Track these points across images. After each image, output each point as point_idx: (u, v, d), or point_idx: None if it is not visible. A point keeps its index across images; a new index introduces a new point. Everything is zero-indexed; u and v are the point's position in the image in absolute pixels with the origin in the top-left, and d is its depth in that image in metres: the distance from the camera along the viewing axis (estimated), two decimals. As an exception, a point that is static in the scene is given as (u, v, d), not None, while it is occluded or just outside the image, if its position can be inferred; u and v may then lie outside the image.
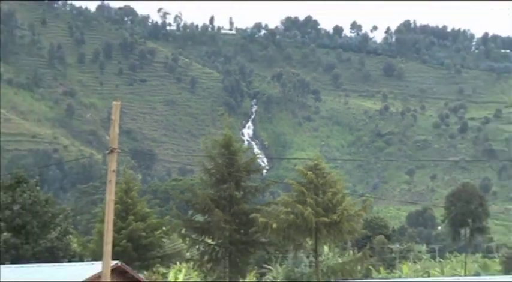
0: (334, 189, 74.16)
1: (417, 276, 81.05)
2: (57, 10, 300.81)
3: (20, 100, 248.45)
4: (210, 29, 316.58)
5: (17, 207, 74.95)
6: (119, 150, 32.56)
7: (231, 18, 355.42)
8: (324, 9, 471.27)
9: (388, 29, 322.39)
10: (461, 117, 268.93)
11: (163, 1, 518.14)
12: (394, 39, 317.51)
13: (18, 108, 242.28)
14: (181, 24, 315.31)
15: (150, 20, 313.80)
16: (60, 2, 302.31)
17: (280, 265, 79.04)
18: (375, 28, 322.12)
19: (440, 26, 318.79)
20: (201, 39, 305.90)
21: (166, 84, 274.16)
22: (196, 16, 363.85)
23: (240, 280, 70.74)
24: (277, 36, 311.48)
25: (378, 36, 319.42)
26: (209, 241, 76.78)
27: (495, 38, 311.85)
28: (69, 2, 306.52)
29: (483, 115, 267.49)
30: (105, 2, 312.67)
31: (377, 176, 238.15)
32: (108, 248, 32.28)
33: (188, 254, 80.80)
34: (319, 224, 72.08)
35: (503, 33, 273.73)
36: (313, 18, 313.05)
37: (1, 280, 46.71)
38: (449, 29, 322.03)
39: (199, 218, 78.07)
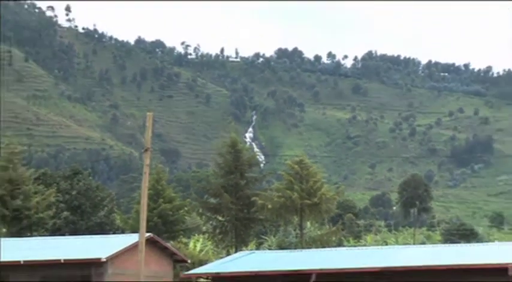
0: (314, 179, 74.03)
1: (377, 245, 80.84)
2: (105, 43, 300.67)
3: (76, 111, 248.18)
4: (220, 57, 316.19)
5: (74, 193, 74.95)
6: (152, 149, 32.52)
7: (236, 49, 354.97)
8: (307, 42, 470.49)
9: (356, 57, 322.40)
10: (410, 124, 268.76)
11: (185, 35, 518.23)
12: (360, 65, 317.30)
13: (75, 117, 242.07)
14: (199, 53, 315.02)
15: (175, 51, 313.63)
16: (107, 37, 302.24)
17: (274, 236, 78.80)
18: (345, 57, 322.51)
19: (395, 55, 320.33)
20: (214, 65, 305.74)
21: (187, 100, 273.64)
22: (210, 47, 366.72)
23: (243, 248, 70.48)
24: (272, 63, 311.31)
25: (348, 63, 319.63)
26: (220, 218, 76.64)
27: (436, 64, 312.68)
28: (114, 36, 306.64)
29: (427, 122, 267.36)
30: (142, 36, 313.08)
31: (347, 169, 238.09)
32: (143, 223, 32.17)
33: (204, 228, 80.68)
34: (304, 205, 71.95)
35: (443, 60, 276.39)
36: (299, 49, 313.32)
37: (62, 248, 46.56)
38: (401, 57, 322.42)
39: (212, 200, 77.93)
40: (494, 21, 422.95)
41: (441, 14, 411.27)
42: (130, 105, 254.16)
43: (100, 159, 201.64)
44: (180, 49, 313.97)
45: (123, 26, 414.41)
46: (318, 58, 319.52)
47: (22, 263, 43.86)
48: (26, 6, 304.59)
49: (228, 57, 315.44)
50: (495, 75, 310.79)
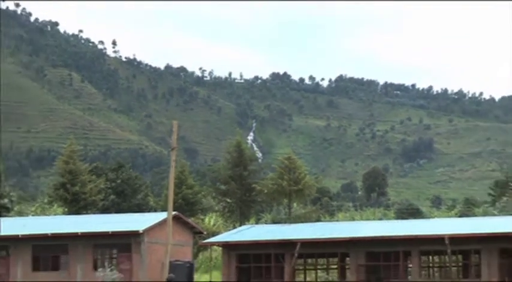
0: (299, 171, 74.17)
1: (347, 221, 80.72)
2: (141, 68, 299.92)
3: (120, 120, 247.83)
4: (228, 79, 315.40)
5: (119, 181, 74.82)
6: (177, 148, 32.45)
7: (241, 73, 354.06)
8: (294, 67, 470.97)
9: (330, 79, 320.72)
10: (371, 129, 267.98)
11: (202, 62, 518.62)
12: (333, 85, 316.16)
13: (119, 124, 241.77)
14: (213, 76, 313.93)
15: (195, 74, 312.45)
16: (144, 64, 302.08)
17: (269, 214, 78.64)
18: (322, 79, 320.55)
19: (360, 77, 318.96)
20: (224, 85, 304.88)
21: (203, 111, 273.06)
22: (221, 72, 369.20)
23: (246, 223, 70.42)
24: (267, 83, 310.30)
25: (324, 83, 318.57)
26: (228, 200, 76.67)
27: (391, 84, 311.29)
28: (149, 63, 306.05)
29: (384, 128, 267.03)
30: (170, 63, 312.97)
31: (324, 163, 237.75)
32: (170, 204, 32.03)
33: (216, 207, 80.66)
34: (291, 190, 72.03)
35: (395, 81, 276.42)
36: (287, 73, 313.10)
37: (109, 223, 46.63)
38: (365, 79, 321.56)
39: (222, 187, 77.93)
40: (434, 47, 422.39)
41: (393, 45, 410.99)
42: (160, 115, 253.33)
43: (138, 156, 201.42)
44: (198, 73, 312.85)
45: (156, 55, 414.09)
46: (302, 80, 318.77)
47: (79, 234, 43.71)
48: (82, 41, 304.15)
49: (234, 79, 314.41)
50: (435, 93, 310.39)
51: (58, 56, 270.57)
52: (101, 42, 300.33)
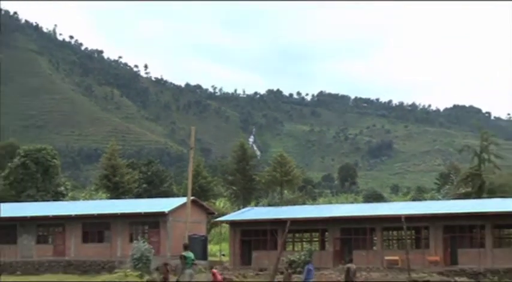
0: (289, 165, 74.06)
1: (326, 204, 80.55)
2: (167, 86, 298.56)
3: (150, 126, 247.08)
4: (234, 94, 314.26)
5: (150, 173, 74.59)
6: (194, 148, 32.33)
7: (244, 89, 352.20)
8: (285, 85, 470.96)
9: (313, 94, 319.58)
10: (345, 133, 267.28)
11: (214, 81, 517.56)
12: (316, 99, 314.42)
13: (150, 129, 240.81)
14: (222, 92, 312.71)
15: (208, 90, 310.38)
16: (169, 82, 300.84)
17: (266, 199, 78.59)
18: (307, 94, 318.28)
19: (336, 93, 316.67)
20: (230, 99, 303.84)
21: (215, 119, 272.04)
22: (228, 88, 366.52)
23: (247, 205, 70.33)
24: (264, 98, 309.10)
25: (309, 97, 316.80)
26: (234, 188, 76.54)
27: (360, 98, 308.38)
28: (173, 82, 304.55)
29: (355, 132, 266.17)
30: (189, 82, 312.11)
31: (308, 160, 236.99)
32: (189, 191, 31.78)
33: (224, 194, 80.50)
34: (283, 180, 71.96)
35: (364, 96, 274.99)
36: (280, 89, 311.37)
37: (142, 205, 46.51)
38: (339, 94, 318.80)
39: (230, 177, 77.81)
40: (393, 70, 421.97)
41: (362, 68, 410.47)
42: (182, 122, 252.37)
43: (164, 154, 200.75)
44: (210, 89, 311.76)
45: (178, 75, 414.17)
46: (291, 94, 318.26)
47: (119, 214, 43.70)
48: (121, 65, 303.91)
49: (239, 94, 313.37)
50: (393, 105, 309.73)
51: (103, 77, 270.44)
52: (136, 66, 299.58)
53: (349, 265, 23.68)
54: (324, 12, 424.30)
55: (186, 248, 21.03)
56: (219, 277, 27.71)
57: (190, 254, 20.54)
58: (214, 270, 28.92)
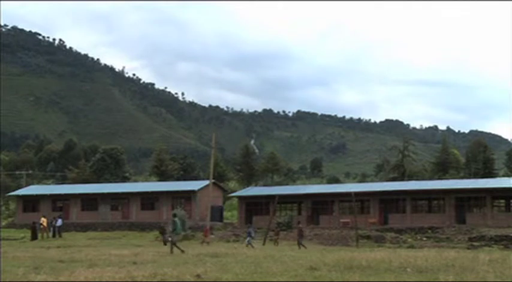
0: (277, 159, 73.81)
1: (302, 185, 79.94)
2: (197, 107, 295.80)
3: (186, 133, 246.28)
4: (241, 112, 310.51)
5: (185, 164, 74.21)
6: (215, 148, 32.38)
7: (248, 109, 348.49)
8: (276, 104, 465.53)
9: (293, 112, 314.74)
10: (315, 138, 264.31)
11: (227, 101, 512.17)
12: (296, 115, 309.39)
13: (185, 135, 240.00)
14: (232, 110, 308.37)
15: (223, 110, 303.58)
16: (198, 104, 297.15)
17: (262, 181, 78.17)
18: (290, 111, 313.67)
19: (310, 111, 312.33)
20: (238, 115, 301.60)
21: (228, 129, 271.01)
22: (237, 107, 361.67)
23: (250, 185, 69.90)
24: (261, 114, 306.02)
25: (290, 114, 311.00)
26: (241, 174, 76.16)
27: (325, 115, 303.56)
28: (200, 104, 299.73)
29: (320, 137, 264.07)
30: (210, 103, 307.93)
31: (290, 156, 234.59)
32: (211, 176, 31.87)
33: (235, 178, 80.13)
34: (273, 169, 71.68)
35: (327, 113, 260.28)
36: (272, 109, 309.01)
37: (179, 186, 46.23)
38: (311, 112, 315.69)
39: (238, 167, 77.31)
40: (348, 94, 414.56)
41: (324, 93, 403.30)
42: (206, 131, 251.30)
43: (194, 152, 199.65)
44: (225, 109, 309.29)
45: (204, 99, 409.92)
46: (279, 112, 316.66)
47: (165, 191, 43.51)
48: (167, 93, 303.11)
49: (244, 112, 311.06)
50: (346, 118, 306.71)
51: (154, 101, 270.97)
52: (176, 93, 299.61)
53: (300, 226, 25.96)
54: (301, 55, 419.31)
55: (174, 216, 18.64)
56: (208, 231, 28.26)
57: (178, 222, 18.10)
58: (207, 227, 29.09)
